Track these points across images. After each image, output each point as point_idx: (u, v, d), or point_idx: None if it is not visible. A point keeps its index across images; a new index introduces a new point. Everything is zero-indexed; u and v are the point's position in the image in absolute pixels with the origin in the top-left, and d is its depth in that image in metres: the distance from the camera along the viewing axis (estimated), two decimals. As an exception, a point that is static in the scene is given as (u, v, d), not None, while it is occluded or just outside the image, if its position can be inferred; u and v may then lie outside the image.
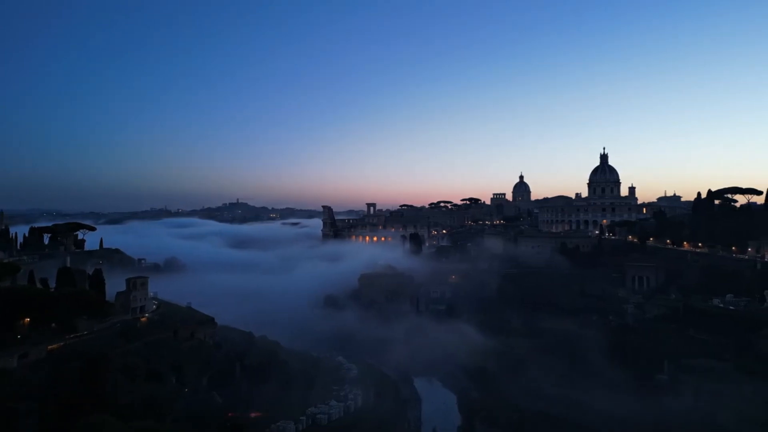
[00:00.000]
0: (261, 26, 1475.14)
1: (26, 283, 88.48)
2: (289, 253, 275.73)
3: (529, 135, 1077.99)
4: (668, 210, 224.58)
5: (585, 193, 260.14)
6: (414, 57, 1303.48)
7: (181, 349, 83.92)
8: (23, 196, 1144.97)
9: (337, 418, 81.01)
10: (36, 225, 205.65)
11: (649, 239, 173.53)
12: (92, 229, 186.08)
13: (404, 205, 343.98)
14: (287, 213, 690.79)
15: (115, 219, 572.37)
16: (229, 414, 69.43)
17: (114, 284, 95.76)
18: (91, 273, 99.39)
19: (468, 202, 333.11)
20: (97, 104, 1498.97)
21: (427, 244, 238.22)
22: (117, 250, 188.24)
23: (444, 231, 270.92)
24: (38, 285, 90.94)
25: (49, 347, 70.50)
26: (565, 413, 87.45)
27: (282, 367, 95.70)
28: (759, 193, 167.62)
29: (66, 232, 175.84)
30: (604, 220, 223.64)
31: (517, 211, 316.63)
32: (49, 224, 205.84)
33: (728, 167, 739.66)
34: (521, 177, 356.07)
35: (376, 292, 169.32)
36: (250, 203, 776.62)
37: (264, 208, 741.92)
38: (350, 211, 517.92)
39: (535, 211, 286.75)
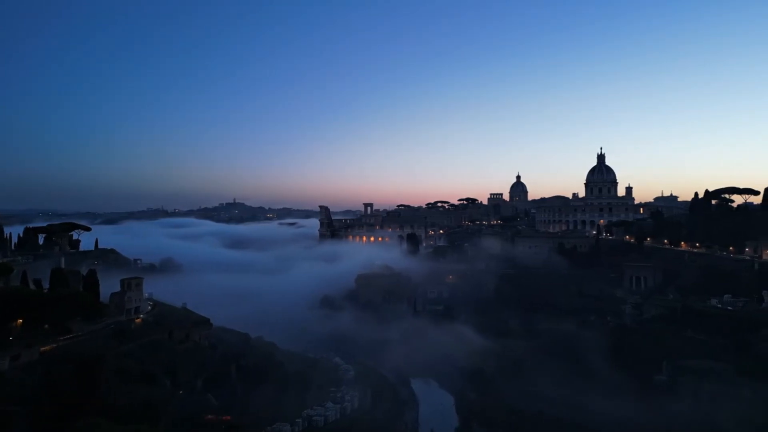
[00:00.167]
0: (258, 26, 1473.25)
1: (19, 284, 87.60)
2: (286, 253, 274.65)
3: (526, 135, 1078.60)
4: (665, 210, 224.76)
5: (582, 193, 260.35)
6: (411, 57, 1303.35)
7: (176, 350, 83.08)
8: (19, 196, 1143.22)
9: (333, 420, 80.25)
10: (31, 225, 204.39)
11: (646, 239, 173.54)
12: (87, 229, 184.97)
13: (401, 205, 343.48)
14: (284, 213, 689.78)
15: (112, 219, 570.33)
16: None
17: (109, 285, 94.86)
18: (85, 274, 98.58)
19: (465, 202, 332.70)
20: (94, 104, 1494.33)
21: (424, 245, 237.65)
22: (112, 251, 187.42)
23: (441, 231, 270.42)
24: (31, 286, 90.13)
25: (42, 349, 69.64)
26: (563, 414, 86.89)
27: (278, 368, 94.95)
28: (756, 193, 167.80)
29: (61, 232, 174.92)
30: (602, 221, 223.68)
31: (514, 211, 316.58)
32: (45, 224, 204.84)
33: (724, 168, 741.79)
34: (518, 177, 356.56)
35: (373, 293, 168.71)
36: (247, 203, 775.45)
37: (261, 208, 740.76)
38: (347, 211, 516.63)
39: (532, 211, 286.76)
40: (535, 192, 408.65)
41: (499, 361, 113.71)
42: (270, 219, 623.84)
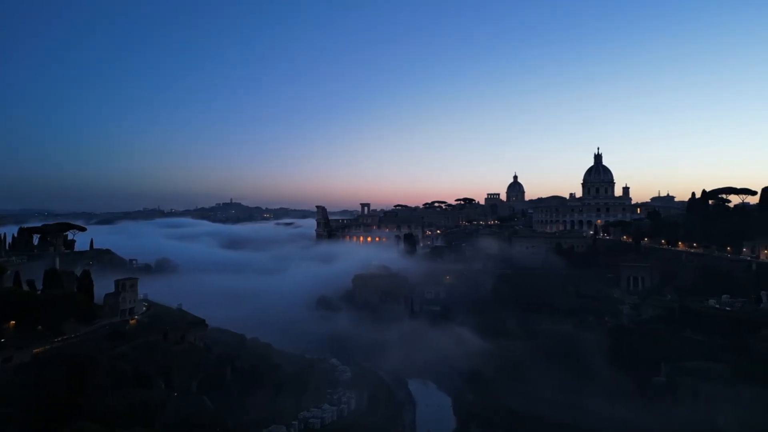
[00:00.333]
0: (256, 27, 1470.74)
1: (12, 285, 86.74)
2: (283, 253, 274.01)
3: (523, 135, 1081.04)
4: (662, 210, 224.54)
5: (579, 194, 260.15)
6: (408, 57, 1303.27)
7: (170, 352, 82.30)
8: (15, 196, 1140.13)
9: (330, 422, 79.60)
10: (26, 225, 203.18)
11: (643, 239, 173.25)
12: (82, 229, 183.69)
13: (398, 205, 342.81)
14: (281, 213, 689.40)
15: (108, 219, 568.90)
16: None
17: (104, 286, 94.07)
18: (79, 274, 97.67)
19: (462, 202, 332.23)
20: (90, 104, 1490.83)
21: (421, 245, 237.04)
22: (108, 251, 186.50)
23: (438, 231, 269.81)
24: (24, 287, 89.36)
25: (35, 351, 68.73)
26: (560, 416, 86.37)
27: (274, 370, 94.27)
28: (753, 193, 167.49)
29: (56, 232, 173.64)
30: (599, 221, 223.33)
31: (512, 211, 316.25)
32: (39, 224, 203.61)
33: (721, 168, 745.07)
34: (515, 177, 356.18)
35: (370, 293, 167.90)
36: (244, 203, 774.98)
37: (258, 208, 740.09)
38: (344, 211, 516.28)
39: (530, 211, 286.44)
40: (532, 192, 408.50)
41: (496, 361, 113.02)
42: (267, 219, 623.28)
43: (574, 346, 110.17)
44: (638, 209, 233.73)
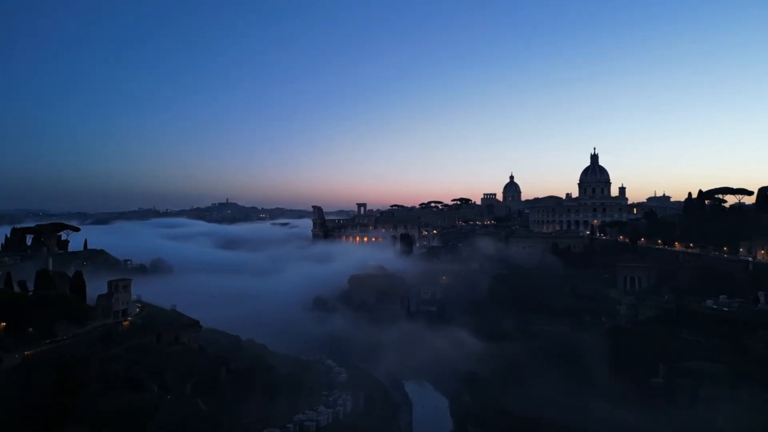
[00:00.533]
0: (251, 26, 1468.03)
1: (3, 286, 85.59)
2: (279, 253, 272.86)
3: (520, 135, 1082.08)
4: (659, 210, 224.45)
5: (575, 194, 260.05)
6: (405, 58, 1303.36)
7: (164, 354, 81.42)
8: (9, 196, 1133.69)
9: (325, 424, 78.79)
10: (19, 225, 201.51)
11: (640, 239, 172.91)
12: (76, 229, 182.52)
13: (395, 206, 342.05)
14: (277, 213, 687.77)
15: (103, 219, 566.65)
16: None
17: (97, 287, 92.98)
18: (72, 275, 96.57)
19: (459, 203, 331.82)
20: (86, 104, 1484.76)
21: (417, 245, 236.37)
22: (102, 251, 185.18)
23: (435, 231, 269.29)
24: (16, 288, 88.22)
25: (26, 353, 67.71)
26: (557, 417, 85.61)
27: (269, 371, 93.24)
28: (750, 193, 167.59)
29: (49, 232, 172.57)
30: (595, 221, 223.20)
31: (508, 211, 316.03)
32: (33, 225, 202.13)
33: (717, 168, 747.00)
34: (511, 177, 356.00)
35: (366, 294, 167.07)
36: (240, 203, 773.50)
37: (254, 208, 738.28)
38: (340, 212, 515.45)
39: (526, 211, 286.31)
40: (528, 192, 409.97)
41: (493, 362, 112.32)
42: (263, 219, 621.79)
43: (571, 347, 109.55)
44: (634, 209, 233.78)
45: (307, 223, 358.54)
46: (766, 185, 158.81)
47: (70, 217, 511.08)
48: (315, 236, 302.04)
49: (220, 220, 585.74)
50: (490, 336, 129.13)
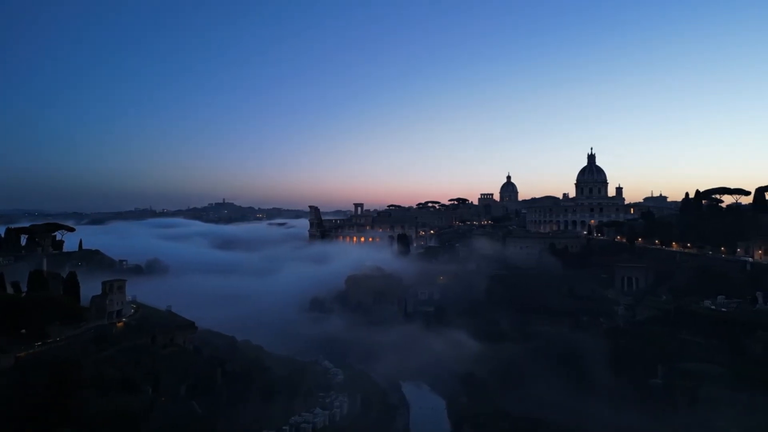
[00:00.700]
0: (248, 26, 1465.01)
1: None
2: (275, 254, 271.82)
3: (516, 135, 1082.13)
4: (656, 210, 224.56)
5: (572, 194, 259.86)
6: (401, 58, 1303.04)
7: (159, 355, 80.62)
8: (4, 196, 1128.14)
9: (321, 427, 78.03)
10: (14, 226, 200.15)
11: (637, 239, 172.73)
12: (71, 229, 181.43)
13: (392, 206, 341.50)
14: (274, 213, 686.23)
15: (98, 219, 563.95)
16: None
17: (92, 287, 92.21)
18: (65, 276, 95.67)
19: (456, 203, 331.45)
20: (82, 103, 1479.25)
21: (414, 245, 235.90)
22: (97, 252, 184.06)
23: (432, 231, 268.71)
24: (9, 289, 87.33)
25: (18, 355, 66.79)
26: (555, 419, 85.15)
27: (265, 373, 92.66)
28: (747, 193, 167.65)
29: (44, 232, 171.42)
30: (592, 221, 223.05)
31: (505, 211, 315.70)
32: (27, 225, 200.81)
33: (713, 168, 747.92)
34: (508, 177, 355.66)
35: (363, 294, 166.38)
36: (237, 203, 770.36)
37: (250, 208, 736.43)
38: (337, 212, 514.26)
39: (523, 211, 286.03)
40: (525, 192, 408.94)
41: (490, 363, 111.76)
42: (259, 219, 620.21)
43: (569, 348, 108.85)
44: (631, 209, 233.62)
45: (304, 223, 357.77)
46: (763, 185, 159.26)
47: (66, 217, 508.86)
48: (312, 236, 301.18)
49: (217, 220, 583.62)
50: (488, 337, 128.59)
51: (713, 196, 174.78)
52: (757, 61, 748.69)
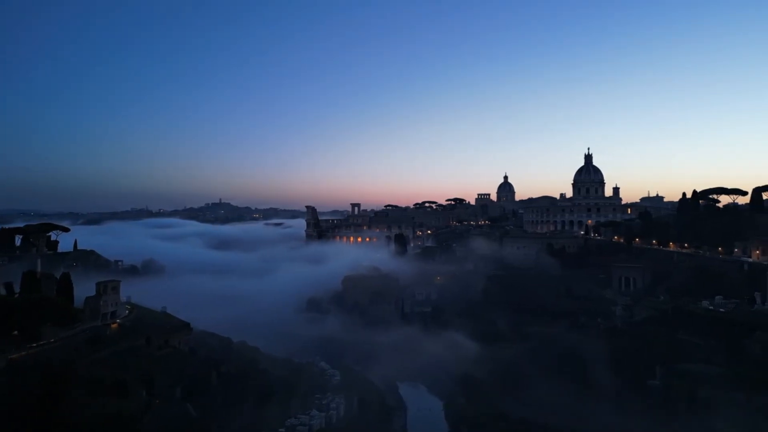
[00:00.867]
0: (246, 26, 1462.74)
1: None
2: (272, 254, 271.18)
3: (514, 135, 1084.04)
4: (653, 210, 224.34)
5: (569, 194, 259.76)
6: (399, 58, 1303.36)
7: (153, 357, 79.83)
8: (1, 195, 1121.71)
9: (318, 429, 77.45)
10: (8, 226, 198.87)
11: (635, 240, 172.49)
12: (66, 230, 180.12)
13: (389, 206, 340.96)
14: (270, 213, 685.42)
15: (94, 219, 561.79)
16: None
17: (87, 288, 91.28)
18: (59, 276, 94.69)
19: (453, 203, 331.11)
20: (78, 103, 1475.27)
21: (411, 245, 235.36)
22: (92, 252, 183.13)
23: (429, 231, 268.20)
24: (2, 290, 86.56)
25: (10, 357, 65.98)
26: (553, 420, 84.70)
27: (261, 374, 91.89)
28: (744, 193, 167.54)
29: (38, 233, 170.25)
30: (589, 221, 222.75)
31: (502, 211, 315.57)
32: (22, 225, 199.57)
33: (710, 168, 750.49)
34: (505, 177, 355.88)
35: (360, 295, 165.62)
36: (233, 203, 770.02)
37: (247, 208, 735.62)
38: (334, 212, 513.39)
39: (520, 211, 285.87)
40: (522, 192, 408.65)
41: (488, 364, 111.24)
42: (256, 219, 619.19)
43: (567, 349, 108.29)
44: (629, 209, 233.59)
45: (300, 224, 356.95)
46: (760, 185, 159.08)
47: (61, 217, 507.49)
48: (309, 236, 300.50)
49: (213, 221, 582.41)
50: (485, 337, 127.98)
51: (710, 197, 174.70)
52: (755, 61, 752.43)
